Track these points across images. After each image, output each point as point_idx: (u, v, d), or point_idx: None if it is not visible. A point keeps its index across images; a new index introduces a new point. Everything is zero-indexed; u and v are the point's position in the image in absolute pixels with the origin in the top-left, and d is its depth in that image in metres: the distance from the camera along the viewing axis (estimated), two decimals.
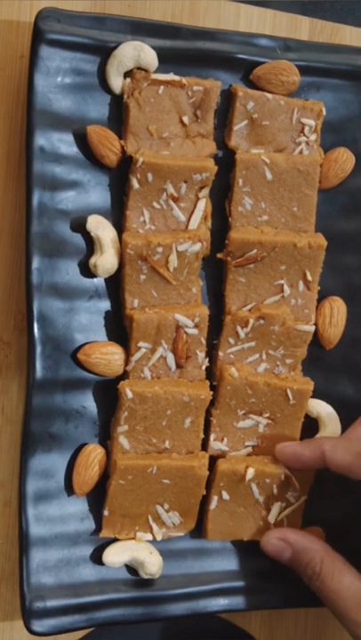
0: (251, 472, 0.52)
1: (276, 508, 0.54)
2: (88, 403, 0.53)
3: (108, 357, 0.52)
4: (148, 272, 0.52)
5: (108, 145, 0.51)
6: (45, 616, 0.50)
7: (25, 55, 0.53)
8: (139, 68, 0.52)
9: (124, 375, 0.53)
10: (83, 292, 0.52)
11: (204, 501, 0.54)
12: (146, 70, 0.52)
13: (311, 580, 0.51)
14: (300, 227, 0.54)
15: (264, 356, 0.54)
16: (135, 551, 0.52)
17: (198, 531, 0.55)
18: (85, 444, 0.53)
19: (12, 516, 0.55)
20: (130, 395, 0.51)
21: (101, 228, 0.51)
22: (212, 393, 0.53)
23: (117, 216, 0.53)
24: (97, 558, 0.53)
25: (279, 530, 0.53)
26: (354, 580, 0.49)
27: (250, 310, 0.54)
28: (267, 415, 0.54)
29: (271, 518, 0.54)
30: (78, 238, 0.52)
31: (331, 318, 0.56)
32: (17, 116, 0.54)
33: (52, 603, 0.50)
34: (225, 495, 0.53)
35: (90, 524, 0.53)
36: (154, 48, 0.51)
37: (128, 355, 0.52)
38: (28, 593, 0.50)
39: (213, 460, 0.54)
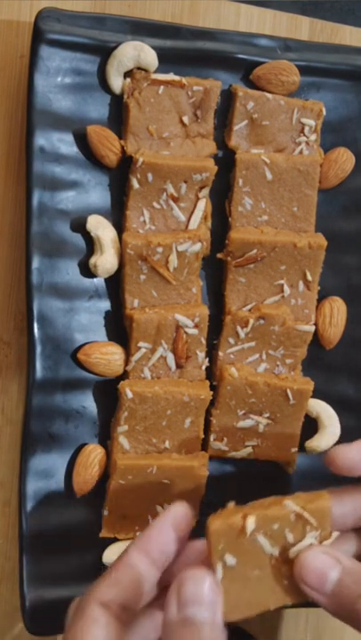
0: (251, 521, 0.39)
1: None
2: (88, 403, 0.53)
3: (108, 357, 0.52)
4: (148, 272, 0.52)
5: (108, 145, 0.51)
6: (45, 616, 0.50)
7: (25, 55, 0.53)
8: (139, 68, 0.52)
9: (124, 375, 0.53)
10: (83, 291, 0.53)
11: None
12: (146, 70, 0.52)
13: None
14: (300, 227, 0.54)
15: (264, 356, 0.54)
16: None
17: (198, 529, 0.55)
18: (85, 444, 0.53)
19: (11, 516, 0.55)
20: (130, 395, 0.51)
21: (101, 227, 0.51)
22: (212, 393, 0.53)
23: (117, 216, 0.53)
24: (97, 558, 0.53)
25: (324, 546, 0.41)
26: None
27: (250, 310, 0.54)
28: (267, 415, 0.54)
29: None
30: (78, 238, 0.52)
31: (331, 318, 0.56)
32: (17, 116, 0.54)
33: (51, 602, 0.50)
34: (229, 560, 0.39)
35: (90, 524, 0.53)
36: (154, 48, 0.51)
37: (128, 355, 0.52)
38: (28, 593, 0.50)
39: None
